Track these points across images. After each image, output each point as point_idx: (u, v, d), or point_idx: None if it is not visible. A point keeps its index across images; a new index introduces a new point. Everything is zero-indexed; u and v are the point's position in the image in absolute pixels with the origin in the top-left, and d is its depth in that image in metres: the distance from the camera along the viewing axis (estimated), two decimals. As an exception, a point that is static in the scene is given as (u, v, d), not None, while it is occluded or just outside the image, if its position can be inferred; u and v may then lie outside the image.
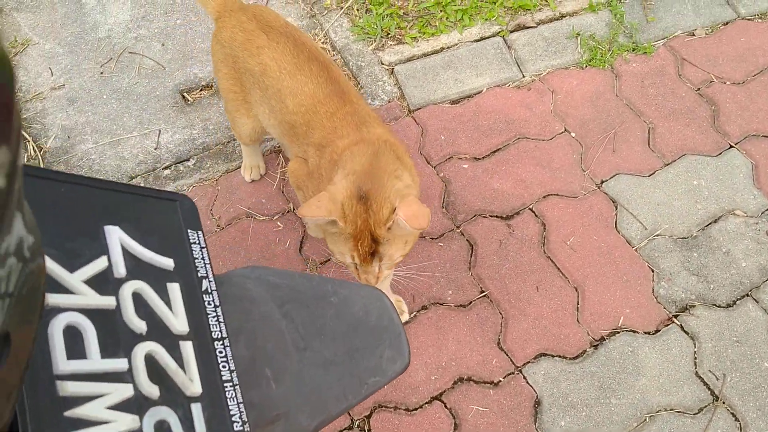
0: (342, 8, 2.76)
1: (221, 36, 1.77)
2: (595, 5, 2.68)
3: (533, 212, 2.23)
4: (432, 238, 2.19)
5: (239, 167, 2.36)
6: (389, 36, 2.67)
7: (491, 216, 2.23)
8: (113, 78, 2.65)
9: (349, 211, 1.32)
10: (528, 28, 2.66)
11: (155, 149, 2.45)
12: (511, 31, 2.65)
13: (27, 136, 2.48)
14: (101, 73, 2.66)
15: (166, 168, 2.40)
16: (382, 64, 2.60)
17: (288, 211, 2.26)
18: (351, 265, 1.45)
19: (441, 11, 2.71)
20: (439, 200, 2.26)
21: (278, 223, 2.23)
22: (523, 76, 2.54)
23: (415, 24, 2.69)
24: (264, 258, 2.17)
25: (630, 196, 2.25)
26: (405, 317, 2.03)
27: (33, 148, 2.45)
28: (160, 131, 2.50)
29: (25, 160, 2.40)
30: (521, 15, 2.70)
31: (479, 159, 2.35)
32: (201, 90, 2.62)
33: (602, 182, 2.29)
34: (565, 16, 2.70)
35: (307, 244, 2.19)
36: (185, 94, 2.61)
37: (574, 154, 2.35)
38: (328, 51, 2.68)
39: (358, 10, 2.75)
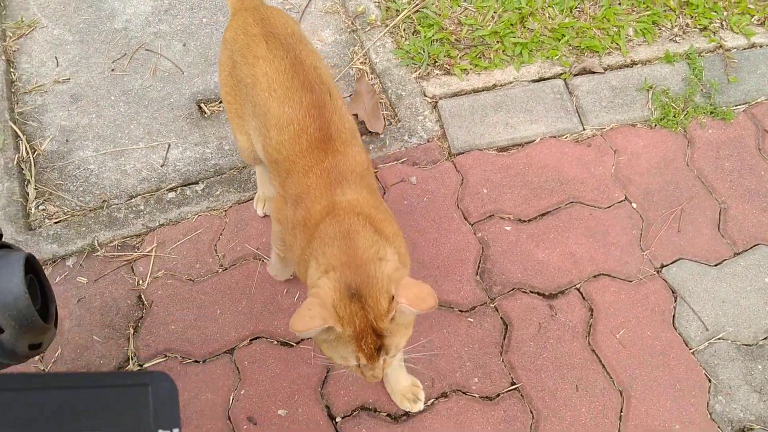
0: (387, 26, 2.46)
1: (226, 34, 1.63)
2: (672, 56, 2.37)
3: (580, 293, 1.94)
4: (461, 311, 1.91)
5: (252, 199, 2.08)
6: (436, 64, 2.37)
7: (532, 292, 1.94)
8: (125, 77, 2.37)
9: (343, 312, 1.20)
10: (594, 73, 2.35)
11: (162, 166, 2.18)
12: (575, 75, 2.35)
13: (20, 134, 2.21)
14: (112, 69, 2.38)
15: (171, 190, 2.12)
16: (425, 95, 2.31)
17: (301, 258, 1.98)
18: (354, 368, 1.31)
19: (498, 42, 2.41)
20: (474, 266, 1.97)
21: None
22: (584, 129, 2.24)
23: (467, 54, 2.39)
24: (268, 312, 1.90)
25: (693, 287, 1.96)
26: (419, 406, 1.75)
27: (26, 148, 2.18)
28: (169, 145, 2.22)
29: (16, 161, 2.13)
30: (588, 57, 2.39)
31: (524, 222, 2.06)
32: (220, 102, 2.34)
33: (662, 267, 1.99)
34: (636, 64, 2.39)
35: (318, 301, 1.91)
36: (202, 104, 2.33)
37: (633, 228, 2.05)
38: (366, 73, 2.39)
39: (405, 30, 2.45)
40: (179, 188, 2.12)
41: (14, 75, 2.36)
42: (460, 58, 2.38)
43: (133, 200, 2.10)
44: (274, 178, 1.57)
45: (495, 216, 2.07)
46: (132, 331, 1.88)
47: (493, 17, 2.46)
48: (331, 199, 1.36)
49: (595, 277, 1.97)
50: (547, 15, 2.47)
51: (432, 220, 2.06)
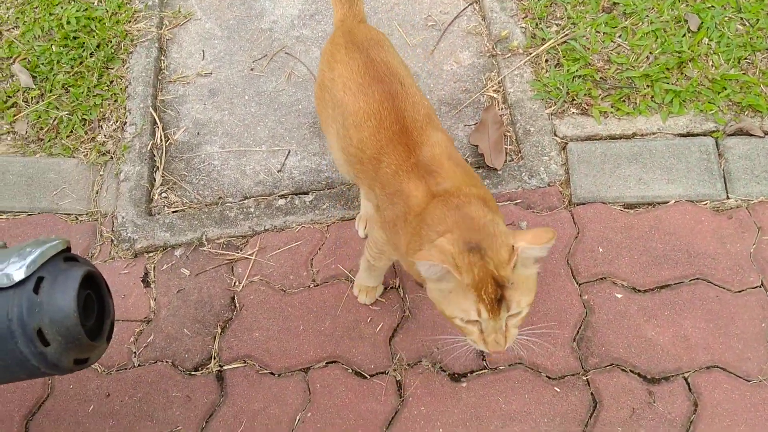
0: (529, 54, 2.33)
1: (323, 51, 1.73)
2: None
3: (687, 384, 1.74)
4: (549, 377, 1.77)
5: (355, 218, 2.06)
6: (574, 102, 2.21)
7: (632, 372, 1.76)
8: (261, 78, 2.43)
9: (462, 262, 1.19)
10: (752, 135, 2.08)
11: (278, 171, 2.21)
12: (729, 135, 2.09)
13: (158, 121, 2.33)
14: (251, 69, 2.45)
15: (282, 197, 2.15)
16: (556, 135, 2.17)
17: (392, 288, 1.94)
18: (473, 330, 1.26)
19: (648, 86, 2.20)
20: (573, 330, 1.83)
21: (376, 301, 1.91)
22: (727, 197, 2.00)
23: (610, 95, 2.21)
24: (348, 337, 1.87)
25: (827, 403, 1.69)
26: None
27: (161, 136, 2.30)
28: (289, 152, 2.25)
29: (149, 147, 2.26)
30: (748, 116, 2.13)
31: (639, 291, 1.88)
32: (346, 113, 2.33)
33: (793, 372, 1.73)
34: (806, 131, 2.09)
35: (400, 335, 1.86)
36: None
37: (763, 321, 1.80)
38: (498, 102, 2.28)
39: (547, 61, 2.31)
40: (290, 196, 2.14)
41: (163, 63, 2.49)
42: (601, 98, 2.21)
43: (245, 201, 2.15)
44: (359, 175, 1.57)
45: (607, 279, 1.90)
46: (220, 330, 1.93)
47: (647, 58, 2.25)
48: (428, 189, 1.36)
49: (707, 368, 1.75)
50: (710, 63, 2.22)
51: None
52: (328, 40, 1.71)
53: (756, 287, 1.86)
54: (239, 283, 2.00)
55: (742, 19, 2.29)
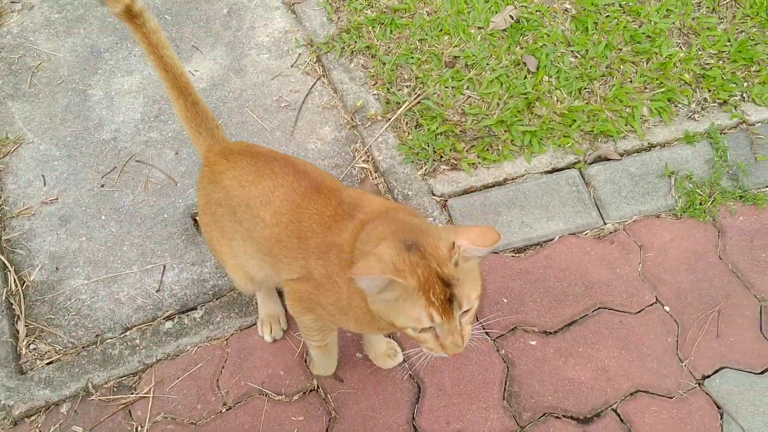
0: (388, 120, 2.34)
1: (198, 181, 1.67)
2: (692, 136, 2.23)
3: (618, 415, 1.78)
4: (489, 444, 1.74)
5: (255, 323, 1.94)
6: (443, 159, 2.24)
7: (565, 416, 1.78)
8: (115, 193, 2.25)
9: (403, 265, 1.13)
10: (610, 160, 2.21)
11: (157, 291, 2.04)
12: (590, 163, 2.21)
13: (8, 265, 2.08)
14: (102, 185, 2.26)
15: (168, 318, 1.98)
16: (434, 194, 2.18)
17: (311, 390, 1.83)
18: (427, 337, 1.21)
19: (505, 131, 2.28)
20: (500, 389, 1.81)
21: (297, 411, 1.79)
22: (605, 223, 2.10)
23: (473, 146, 2.26)
24: (278, 457, 1.74)
25: (739, 400, 1.79)
26: (399, 357, 1.86)
27: (14, 280, 2.05)
28: (164, 267, 2.09)
29: (4, 296, 2.00)
30: (602, 143, 2.26)
31: (550, 334, 1.91)
32: (217, 214, 2.21)
33: (704, 378, 1.83)
34: (655, 147, 2.25)
35: (332, 440, 1.76)
36: (198, 218, 2.20)
37: (668, 336, 1.89)
38: (370, 172, 2.26)
39: (407, 124, 2.33)
40: (177, 316, 1.98)
41: (0, 198, 2.24)
42: (467, 151, 2.25)
43: (128, 333, 1.96)
44: (282, 267, 1.49)
45: (518, 329, 1.92)
46: (131, 488, 1.72)
47: (498, 104, 2.33)
48: (357, 220, 1.33)
49: (632, 395, 1.81)
50: (555, 98, 2.34)
51: (450, 338, 1.90)
52: (201, 169, 1.65)
53: (652, 304, 1.95)
54: (142, 427, 1.80)
55: (573, 52, 2.44)
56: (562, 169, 2.21)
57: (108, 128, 2.40)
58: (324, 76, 2.52)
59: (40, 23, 2.70)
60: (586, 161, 2.21)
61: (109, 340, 1.95)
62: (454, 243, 1.14)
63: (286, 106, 2.45)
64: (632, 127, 2.27)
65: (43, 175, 2.29)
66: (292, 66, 2.55)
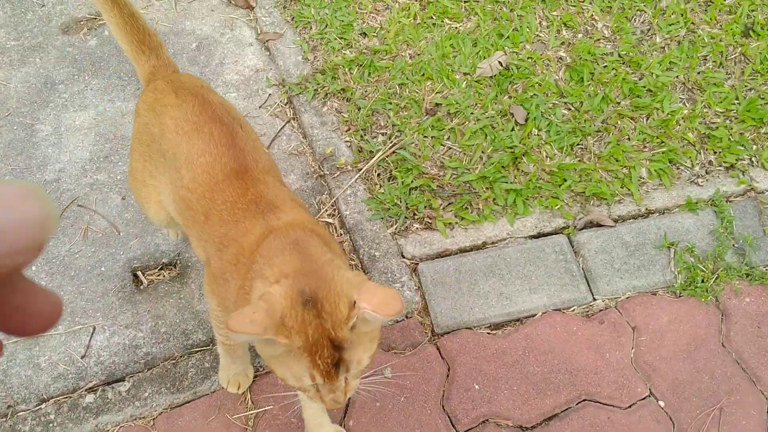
0: (359, 170, 2.11)
1: (138, 105, 1.55)
2: (694, 203, 2.00)
3: None
4: None
5: (188, 401, 1.69)
6: (416, 217, 2.01)
7: None
8: (50, 240, 2.01)
9: (293, 322, 1.03)
10: (603, 226, 1.98)
11: (83, 357, 1.80)
12: (580, 229, 1.98)
13: None
14: (37, 232, 2.03)
15: (90, 390, 1.73)
16: (404, 257, 1.94)
17: (245, 485, 1.57)
18: (310, 389, 1.11)
19: (487, 189, 2.05)
20: (464, 494, 1.55)
21: None
22: (594, 299, 1.86)
23: (451, 204, 2.03)
24: None
25: None
26: None
27: None
28: (94, 329, 1.84)
29: None
30: (594, 206, 2.03)
31: (527, 429, 1.65)
32: (161, 269, 1.98)
33: (704, 491, 1.56)
34: (653, 213, 2.02)
35: None
36: (139, 272, 1.97)
37: (662, 437, 1.63)
38: (335, 228, 2.03)
39: (379, 175, 2.10)
40: (100, 388, 1.73)
41: None
42: (443, 209, 2.02)
43: (43, 406, 1.71)
44: (189, 232, 1.43)
45: (490, 422, 1.66)
46: None
47: (481, 158, 2.11)
48: (267, 225, 1.23)
49: (618, 508, 1.54)
50: (544, 154, 2.12)
51: (411, 428, 1.65)
52: (144, 92, 1.53)
53: (645, 398, 1.69)
54: None
55: (566, 104, 2.23)
56: (548, 234, 1.98)
57: (52, 167, 2.19)
58: (294, 119, 2.31)
59: (-6, 50, 2.50)
60: (575, 226, 1.98)
61: (21, 413, 1.70)
62: (355, 303, 1.03)
63: (250, 151, 2.22)
64: (629, 189, 2.04)
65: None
66: (260, 107, 2.34)
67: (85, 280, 1.94)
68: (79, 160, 2.21)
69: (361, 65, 2.36)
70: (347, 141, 2.20)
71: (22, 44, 2.52)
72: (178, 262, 1.98)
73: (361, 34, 2.46)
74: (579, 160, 2.10)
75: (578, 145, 2.14)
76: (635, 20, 2.45)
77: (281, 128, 2.29)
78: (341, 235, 2.02)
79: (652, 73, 2.29)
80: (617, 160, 2.09)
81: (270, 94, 2.37)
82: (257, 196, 1.29)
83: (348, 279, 1.08)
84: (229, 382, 1.68)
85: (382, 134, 2.21)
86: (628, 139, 2.15)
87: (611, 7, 2.47)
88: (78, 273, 1.95)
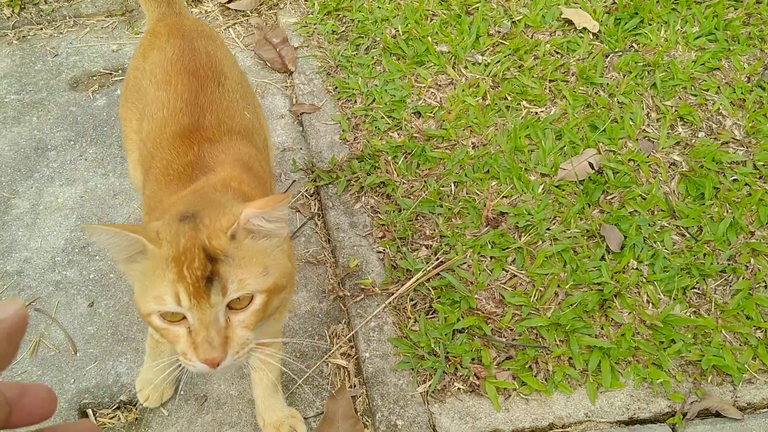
0: (391, 295, 1.60)
1: (136, 49, 1.49)
2: None
3: None
4: None
5: None
6: (458, 373, 1.46)
7: None
8: (-11, 355, 1.58)
9: (166, 233, 0.91)
10: (724, 417, 1.37)
11: None
12: (691, 419, 1.37)
13: None
14: (-23, 341, 1.60)
15: None
16: (435, 431, 1.39)
17: None
18: (179, 333, 0.92)
19: (561, 342, 1.48)
20: None
21: None
22: None
23: (510, 360, 1.47)
24: None
25: None
26: None
27: None
28: (11, 491, 1.37)
29: None
30: (714, 385, 1.42)
31: None
32: (116, 409, 1.51)
33: None
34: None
35: None
36: (90, 410, 1.50)
37: None
38: (349, 374, 1.52)
39: (415, 305, 1.58)
40: None
41: None
42: (498, 365, 1.47)
43: None
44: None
45: None
46: None
47: (556, 295, 1.55)
48: (190, 188, 1.13)
49: None
50: (645, 298, 1.54)
51: None
52: (143, 35, 1.49)
53: None
54: None
55: (679, 228, 1.65)
56: (645, 421, 1.39)
57: (18, 255, 1.78)
58: (318, 216, 1.83)
59: (-9, 104, 2.16)
60: (685, 414, 1.38)
61: None
62: (239, 215, 0.92)
63: (258, 255, 1.75)
64: (764, 364, 1.43)
65: None
66: (279, 196, 1.87)
67: (20, 415, 1.48)
68: (51, 249, 1.79)
69: (409, 153, 1.86)
70: (379, 252, 1.70)
71: (22, 99, 2.17)
72: (139, 401, 1.50)
73: (414, 113, 1.98)
74: (694, 313, 1.51)
75: (693, 289, 1.55)
76: (777, 117, 1.86)
77: (301, 226, 1.81)
78: (355, 386, 1.50)
79: (802, 193, 1.68)
80: (749, 318, 1.49)
81: (294, 181, 1.91)
82: (197, 157, 1.20)
83: (238, 204, 0.97)
84: (142, 388, 1.46)
85: (426, 247, 1.69)
86: (765, 286, 1.54)
87: (744, 100, 1.89)
88: (12, 404, 1.50)
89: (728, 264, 1.58)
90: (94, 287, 1.71)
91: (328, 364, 1.55)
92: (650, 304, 1.53)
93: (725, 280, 1.56)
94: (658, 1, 2.16)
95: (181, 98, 1.28)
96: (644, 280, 1.57)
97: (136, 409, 1.51)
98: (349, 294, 1.63)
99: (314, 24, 2.29)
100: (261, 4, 2.41)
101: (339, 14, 2.30)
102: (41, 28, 2.40)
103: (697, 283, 1.56)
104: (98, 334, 1.62)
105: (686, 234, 1.64)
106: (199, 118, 1.26)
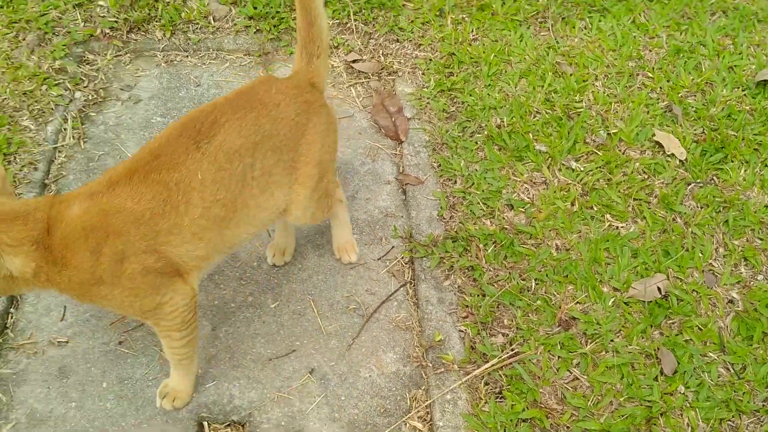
0: (467, 374, 1.86)
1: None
2: None
3: None
4: None
5: None
6: (518, 455, 1.73)
7: None
8: (128, 359, 1.90)
9: None
10: None
11: None
12: None
13: (-23, 414, 1.75)
14: (120, 342, 1.93)
15: None
16: (490, 503, 1.66)
17: None
18: None
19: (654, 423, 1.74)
20: None
21: None
22: None
23: (561, 454, 1.73)
24: None
25: None
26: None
27: (-26, 436, 1.72)
28: (140, 483, 1.69)
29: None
30: None
31: None
32: (228, 426, 1.81)
33: None
34: None
35: None
36: (207, 422, 1.80)
37: None
38: (420, 440, 1.79)
39: (488, 388, 1.85)
40: None
41: (11, 318, 1.95)
42: (558, 454, 1.73)
43: None
44: None
45: None
46: None
47: (611, 404, 1.81)
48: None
49: None
50: (686, 422, 1.79)
51: None
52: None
53: None
54: None
55: (725, 362, 1.89)
56: None
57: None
58: (410, 285, 2.10)
59: (139, 122, 2.46)
60: None
61: None
62: None
63: (355, 310, 2.03)
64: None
65: (65, 306, 1.99)
66: (379, 259, 2.15)
67: (150, 416, 1.80)
68: (183, 271, 2.08)
69: (498, 243, 2.12)
70: (461, 331, 1.96)
71: (166, 123, 2.47)
72: (248, 423, 1.80)
73: (507, 204, 2.23)
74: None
75: (729, 422, 1.79)
76: (831, 272, 2.08)
77: (395, 291, 2.08)
78: (425, 454, 1.77)
79: (841, 352, 1.90)
80: (773, 458, 1.73)
81: (393, 247, 2.18)
82: (129, 168, 1.48)
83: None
84: (175, 398, 1.81)
85: (503, 335, 1.95)
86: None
87: (806, 252, 2.11)
88: (145, 404, 1.82)
89: (762, 405, 1.81)
90: (217, 313, 2.01)
91: (406, 424, 1.83)
92: (690, 428, 1.78)
93: (757, 419, 1.80)
94: (743, 139, 2.37)
95: (160, 141, 1.57)
96: (688, 405, 1.81)
97: (244, 429, 1.81)
98: (431, 365, 1.90)
99: (428, 98, 2.55)
100: (382, 69, 2.67)
101: (452, 94, 2.55)
102: (187, 56, 2.69)
103: (733, 416, 1.80)
104: (218, 356, 1.92)
105: (731, 369, 1.88)
106: (139, 163, 1.52)
